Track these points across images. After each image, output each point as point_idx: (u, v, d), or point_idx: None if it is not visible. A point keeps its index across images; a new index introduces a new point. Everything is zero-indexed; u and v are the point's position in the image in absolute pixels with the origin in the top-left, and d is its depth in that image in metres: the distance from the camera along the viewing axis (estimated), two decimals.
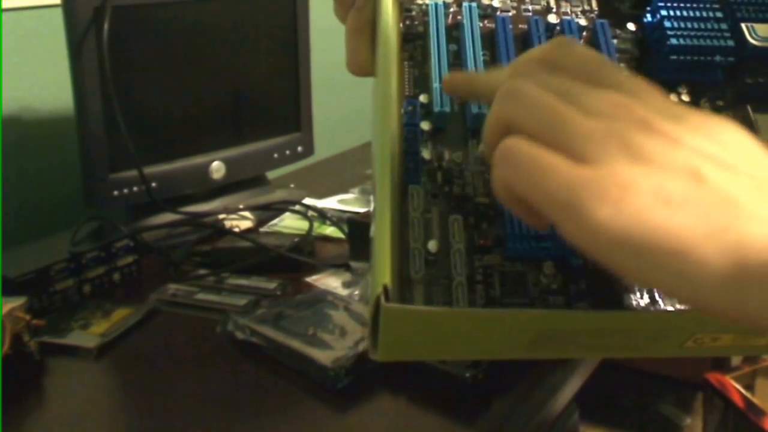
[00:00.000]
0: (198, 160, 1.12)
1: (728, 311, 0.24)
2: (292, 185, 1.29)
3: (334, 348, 0.72)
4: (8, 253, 0.90)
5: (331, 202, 1.20)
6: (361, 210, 1.13)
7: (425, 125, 0.36)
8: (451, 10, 0.41)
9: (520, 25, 0.41)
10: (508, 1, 0.42)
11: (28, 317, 0.72)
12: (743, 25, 0.38)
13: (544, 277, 0.32)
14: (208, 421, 0.67)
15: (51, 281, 0.85)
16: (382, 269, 0.28)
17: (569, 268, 0.32)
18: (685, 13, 0.39)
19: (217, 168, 1.14)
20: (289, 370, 0.73)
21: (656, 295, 0.32)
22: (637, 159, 0.26)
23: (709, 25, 0.38)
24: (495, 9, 0.42)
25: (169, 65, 1.07)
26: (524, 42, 0.40)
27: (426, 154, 0.35)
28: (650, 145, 0.27)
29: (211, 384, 0.73)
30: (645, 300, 0.32)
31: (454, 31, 0.40)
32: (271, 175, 1.29)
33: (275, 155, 1.21)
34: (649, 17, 0.41)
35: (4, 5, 1.04)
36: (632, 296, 0.32)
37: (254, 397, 0.70)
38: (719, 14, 0.39)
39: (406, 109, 0.37)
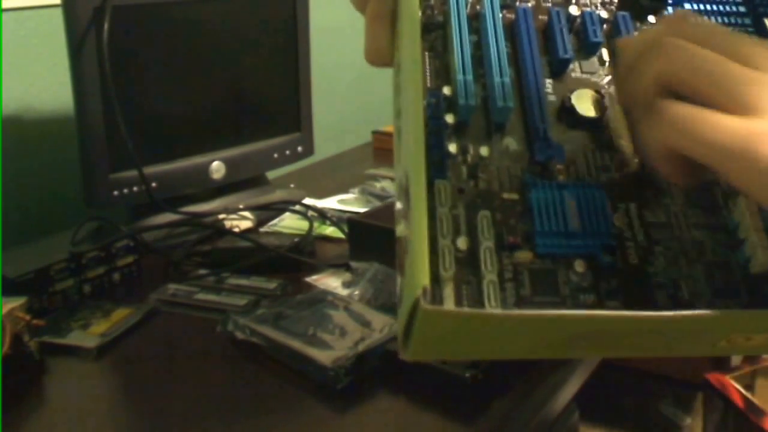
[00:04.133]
0: (198, 160, 1.12)
1: None
2: (292, 185, 1.29)
3: (334, 348, 0.72)
4: (8, 253, 0.90)
5: (331, 202, 1.20)
6: (361, 210, 1.13)
7: (450, 118, 0.35)
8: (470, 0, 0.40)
9: (540, 16, 0.40)
10: None
11: (28, 317, 0.72)
12: (766, 21, 0.38)
13: (574, 275, 0.32)
14: (208, 421, 0.67)
15: (51, 281, 0.85)
16: (420, 269, 0.27)
17: (600, 266, 0.32)
18: (708, 7, 0.38)
19: (217, 168, 1.14)
20: (289, 370, 0.73)
21: (684, 291, 0.32)
22: None
23: (732, 20, 0.38)
24: (514, 0, 0.40)
25: (169, 65, 1.07)
26: (545, 34, 0.39)
27: (452, 147, 0.34)
28: None
29: (210, 384, 0.73)
30: (677, 296, 0.32)
31: (474, 22, 0.39)
32: (271, 175, 1.29)
33: (275, 155, 1.21)
34: (670, 11, 0.40)
35: (4, 5, 1.04)
36: (664, 292, 0.32)
37: (254, 397, 0.70)
38: (742, 8, 0.38)
39: (429, 102, 0.36)
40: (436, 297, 0.30)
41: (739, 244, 0.33)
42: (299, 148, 1.24)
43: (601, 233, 0.32)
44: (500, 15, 0.39)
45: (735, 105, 0.28)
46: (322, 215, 1.12)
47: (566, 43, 0.38)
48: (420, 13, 0.39)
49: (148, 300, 0.88)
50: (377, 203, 1.18)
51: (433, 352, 0.31)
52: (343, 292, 0.88)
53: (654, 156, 0.31)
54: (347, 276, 0.93)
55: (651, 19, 0.40)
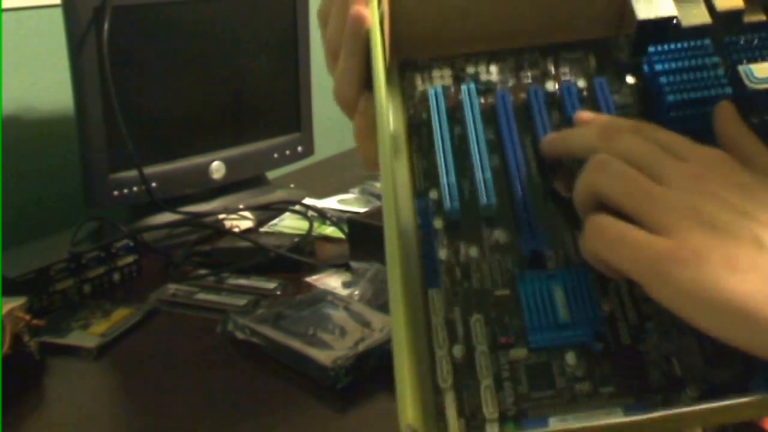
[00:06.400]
0: (198, 160, 1.12)
1: None
2: (292, 185, 1.29)
3: (334, 348, 0.72)
4: (8, 253, 0.90)
5: (331, 202, 1.20)
6: (361, 210, 1.13)
7: (438, 223, 0.37)
8: (452, 89, 0.41)
9: (520, 95, 0.41)
10: (507, 71, 0.42)
11: (28, 317, 0.72)
12: (740, 69, 0.38)
13: (568, 367, 0.33)
14: (208, 421, 0.67)
15: (51, 281, 0.85)
16: (405, 405, 0.28)
17: (592, 353, 0.33)
18: (680, 64, 0.38)
19: (217, 168, 1.14)
20: (289, 370, 0.73)
21: (676, 367, 0.32)
22: (709, 229, 0.30)
23: (705, 74, 0.38)
24: (494, 83, 0.41)
25: (169, 65, 1.07)
26: (526, 112, 0.40)
27: (442, 254, 0.36)
28: (721, 216, 0.31)
29: (211, 384, 0.73)
30: (670, 373, 0.32)
31: (457, 113, 0.40)
32: (271, 175, 1.29)
33: (275, 155, 1.21)
34: (646, 68, 0.40)
35: (4, 5, 1.04)
36: (657, 370, 0.32)
37: (254, 397, 0.70)
38: (715, 59, 0.38)
39: (419, 207, 0.37)
40: (438, 405, 0.32)
41: None
42: (299, 148, 1.24)
43: (591, 321, 0.33)
44: (478, 105, 0.40)
45: (652, 224, 0.31)
46: (322, 215, 1.12)
47: (545, 123, 0.39)
48: (395, 123, 0.39)
49: (148, 300, 0.88)
50: (377, 203, 1.18)
51: None
52: (343, 292, 0.88)
53: (587, 259, 0.34)
54: (347, 276, 0.93)
55: (629, 79, 0.41)
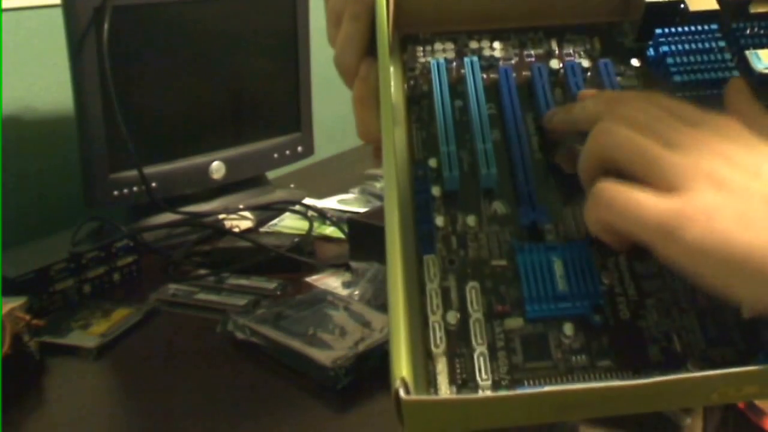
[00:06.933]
0: (198, 160, 1.12)
1: None
2: (292, 185, 1.29)
3: (334, 348, 0.72)
4: (8, 253, 0.90)
5: (331, 202, 1.20)
6: (361, 210, 1.13)
7: (436, 191, 0.36)
8: (454, 64, 0.41)
9: (523, 73, 0.40)
10: (510, 49, 0.41)
11: (28, 317, 0.72)
12: (747, 53, 0.38)
13: (565, 338, 0.32)
14: (208, 421, 0.67)
15: (51, 281, 0.85)
16: (398, 360, 0.28)
17: (590, 326, 0.32)
18: (687, 47, 0.38)
19: (217, 168, 1.14)
20: (289, 370, 0.73)
21: (676, 344, 0.32)
22: (720, 188, 0.30)
23: (712, 57, 0.38)
24: (497, 59, 0.41)
25: (169, 65, 1.07)
26: (529, 89, 0.40)
27: (439, 221, 0.35)
28: (731, 176, 0.30)
29: (211, 384, 0.73)
30: (669, 349, 0.32)
31: (459, 86, 0.40)
32: (271, 175, 1.29)
33: (275, 155, 1.21)
34: (651, 51, 0.40)
35: (4, 5, 1.04)
36: (656, 346, 0.32)
37: (254, 397, 0.70)
38: (722, 43, 0.38)
39: (416, 175, 0.37)
40: (430, 372, 0.31)
41: None
42: (299, 148, 1.24)
43: (590, 293, 0.33)
44: (481, 78, 0.39)
45: (660, 186, 0.31)
46: (322, 215, 1.12)
47: (548, 100, 0.39)
48: (396, 91, 0.39)
49: (148, 300, 0.88)
50: (377, 203, 1.18)
51: (431, 429, 0.32)
52: (343, 292, 0.88)
53: (592, 229, 0.33)
54: (347, 276, 0.93)
55: (634, 62, 0.41)
